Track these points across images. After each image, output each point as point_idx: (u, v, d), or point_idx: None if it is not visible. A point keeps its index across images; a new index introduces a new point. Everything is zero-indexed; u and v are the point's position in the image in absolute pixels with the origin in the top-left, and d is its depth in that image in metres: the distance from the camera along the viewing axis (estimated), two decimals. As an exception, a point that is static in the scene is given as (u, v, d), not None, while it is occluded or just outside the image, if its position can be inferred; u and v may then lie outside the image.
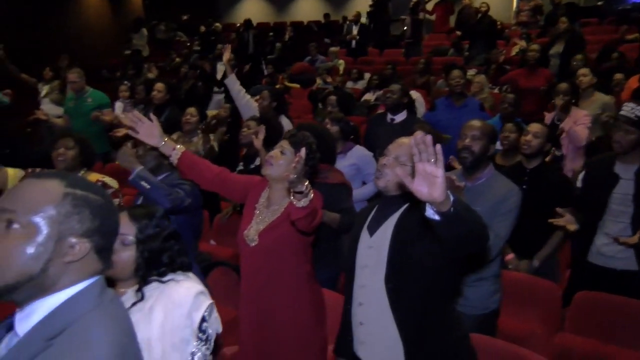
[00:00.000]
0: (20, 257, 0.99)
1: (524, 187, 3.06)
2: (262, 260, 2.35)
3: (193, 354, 1.64)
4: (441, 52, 9.80)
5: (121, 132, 4.43)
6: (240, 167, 4.05)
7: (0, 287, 0.99)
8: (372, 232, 2.01)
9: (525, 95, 5.42)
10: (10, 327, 1.05)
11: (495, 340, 2.37)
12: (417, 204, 1.89)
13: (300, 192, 1.99)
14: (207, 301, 1.71)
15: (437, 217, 1.48)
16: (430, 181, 1.41)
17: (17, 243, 0.99)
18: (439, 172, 1.40)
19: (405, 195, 1.95)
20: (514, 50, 8.09)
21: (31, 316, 1.02)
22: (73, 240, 1.03)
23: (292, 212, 2.08)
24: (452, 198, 1.46)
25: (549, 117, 4.44)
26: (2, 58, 6.86)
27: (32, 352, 0.96)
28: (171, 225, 1.83)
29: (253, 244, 2.35)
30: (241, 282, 2.48)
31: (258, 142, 3.48)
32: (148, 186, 2.63)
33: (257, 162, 3.91)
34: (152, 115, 2.46)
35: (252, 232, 2.37)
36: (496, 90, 6.87)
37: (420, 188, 1.42)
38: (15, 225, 1.00)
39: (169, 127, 4.64)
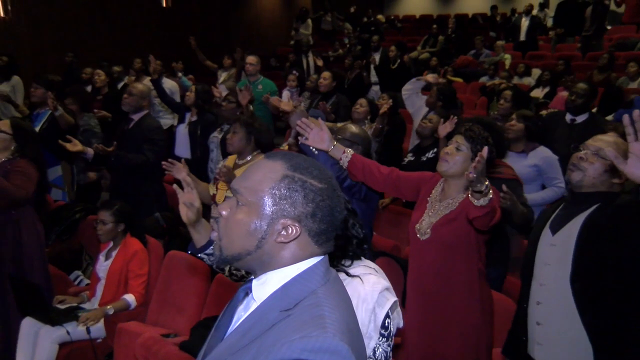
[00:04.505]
0: (240, 232, 1.08)
1: None
2: (434, 254, 2.31)
3: (375, 350, 1.63)
4: (627, 46, 8.86)
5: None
6: (410, 157, 4.05)
7: (226, 256, 1.11)
8: (555, 230, 1.93)
9: None
10: (248, 291, 1.14)
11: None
12: (610, 203, 1.82)
13: (480, 192, 1.93)
14: (392, 298, 1.68)
15: None
16: None
17: (239, 219, 1.08)
18: None
19: (597, 194, 1.86)
20: None
21: (266, 285, 1.09)
22: (285, 222, 1.06)
23: (470, 210, 2.04)
24: None
25: None
26: (193, 46, 7.53)
27: (270, 321, 1.02)
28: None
29: (425, 237, 2.32)
30: (409, 276, 2.47)
31: (444, 130, 3.53)
32: (316, 152, 2.60)
33: (430, 154, 3.89)
34: (320, 121, 2.49)
35: (424, 225, 2.34)
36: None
37: (634, 169, 1.34)
38: (240, 204, 1.09)
39: (336, 114, 4.80)
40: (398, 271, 3.25)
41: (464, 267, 2.30)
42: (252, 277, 1.14)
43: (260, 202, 1.07)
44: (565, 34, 9.85)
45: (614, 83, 6.96)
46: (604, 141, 1.89)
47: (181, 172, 2.66)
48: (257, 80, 5.75)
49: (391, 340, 1.68)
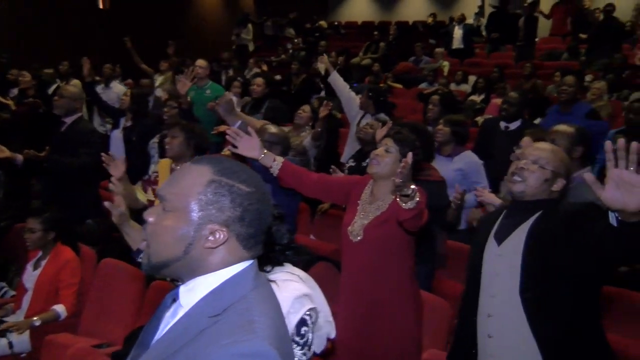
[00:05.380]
0: (167, 239, 1.07)
1: None
2: (367, 255, 2.37)
3: None
4: (554, 56, 9.32)
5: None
6: (352, 163, 4.10)
7: (155, 264, 1.09)
8: (500, 240, 1.93)
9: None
10: (176, 297, 1.12)
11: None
12: (552, 210, 1.85)
13: (407, 196, 1.99)
14: (308, 305, 1.64)
15: (619, 225, 1.42)
16: (627, 189, 1.34)
17: (166, 226, 1.07)
18: None
19: (539, 202, 1.89)
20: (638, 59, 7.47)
21: (194, 291, 1.08)
22: (213, 227, 1.05)
23: (399, 213, 2.09)
24: None
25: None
26: (129, 48, 7.34)
27: (199, 327, 1.01)
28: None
29: (357, 239, 2.37)
30: (342, 277, 2.49)
31: (380, 135, 3.55)
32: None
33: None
34: (250, 129, 2.52)
35: (356, 227, 2.38)
36: (614, 98, 6.44)
37: (612, 195, 1.36)
38: (167, 210, 1.08)
39: (270, 119, 4.79)
40: (337, 275, 3.27)
41: (396, 267, 2.37)
42: (180, 283, 1.12)
43: (187, 208, 1.06)
44: (499, 42, 10.22)
45: (539, 90, 7.31)
46: (543, 150, 1.93)
47: (118, 170, 2.61)
48: (206, 84, 5.66)
49: (307, 350, 1.64)
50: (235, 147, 2.47)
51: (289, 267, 1.74)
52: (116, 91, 6.88)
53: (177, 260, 1.06)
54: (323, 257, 3.50)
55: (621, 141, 1.35)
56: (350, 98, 4.89)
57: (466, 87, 8.46)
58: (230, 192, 1.07)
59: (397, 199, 2.06)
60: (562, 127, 2.74)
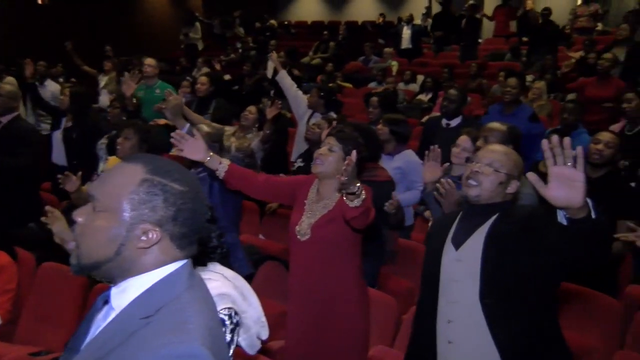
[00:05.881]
0: (98, 239, 1.04)
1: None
2: (315, 254, 2.38)
3: None
4: (498, 56, 9.60)
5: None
6: (300, 163, 4.10)
7: (85, 265, 1.06)
8: (457, 244, 1.91)
9: (592, 105, 5.29)
10: (108, 299, 1.09)
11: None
12: (508, 212, 1.86)
13: (353, 194, 2.00)
14: (224, 304, 1.58)
15: (569, 223, 1.44)
16: (569, 185, 1.36)
17: (96, 226, 1.04)
18: (580, 175, 1.36)
19: (495, 205, 1.89)
20: (565, 67, 7.74)
21: (126, 292, 1.05)
22: (145, 227, 1.03)
23: (346, 211, 2.11)
24: (590, 203, 1.41)
25: (616, 127, 4.30)
26: (69, 50, 7.12)
27: (130, 329, 0.99)
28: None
29: (305, 238, 2.37)
30: (290, 277, 2.50)
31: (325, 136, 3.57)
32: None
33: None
34: (195, 132, 2.52)
35: (304, 226, 2.39)
36: (552, 98, 6.69)
37: (555, 193, 1.37)
38: (98, 209, 1.05)
39: (217, 120, 4.74)
40: (285, 274, 3.27)
41: (344, 265, 2.39)
42: (112, 284, 1.09)
43: (118, 208, 1.03)
44: (443, 42, 10.44)
45: (485, 89, 7.52)
46: (496, 152, 1.94)
47: (73, 185, 2.55)
48: (155, 84, 5.53)
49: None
50: (180, 150, 2.44)
51: (216, 266, 1.69)
52: (51, 89, 6.64)
53: (109, 261, 1.04)
54: (271, 256, 3.51)
55: (554, 137, 1.38)
56: (297, 97, 4.92)
57: (414, 87, 8.60)
58: (163, 191, 1.05)
59: (344, 198, 2.07)
60: (495, 125, 2.82)
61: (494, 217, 1.88)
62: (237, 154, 3.41)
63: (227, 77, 8.50)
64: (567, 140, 1.36)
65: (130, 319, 1.01)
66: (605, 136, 3.14)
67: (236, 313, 1.62)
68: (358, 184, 2.02)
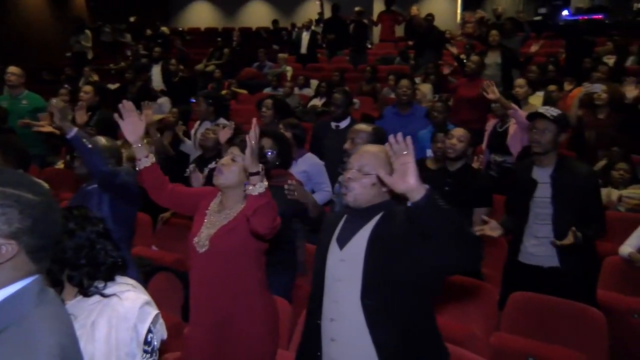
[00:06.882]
0: None
1: (447, 188, 3.26)
2: (213, 266, 2.29)
3: None
4: (387, 60, 9.98)
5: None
6: (192, 169, 4.04)
7: None
8: (342, 244, 1.93)
9: (464, 104, 5.67)
10: None
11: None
12: (391, 211, 1.91)
13: (257, 173, 1.98)
14: (153, 312, 1.67)
15: (413, 208, 1.62)
16: (404, 170, 1.57)
17: None
18: (410, 158, 1.58)
19: (376, 206, 1.92)
20: (446, 67, 8.19)
21: None
22: None
23: (249, 205, 2.05)
24: (425, 187, 1.59)
25: (490, 124, 4.62)
26: None
27: None
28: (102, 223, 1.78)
29: (203, 250, 2.29)
30: (191, 290, 2.41)
31: (224, 136, 3.61)
32: (90, 145, 2.60)
33: (213, 165, 3.92)
34: (142, 116, 2.44)
35: (202, 237, 2.31)
36: (436, 99, 7.05)
37: (396, 179, 1.59)
38: None
39: (101, 130, 4.53)
40: (178, 285, 3.23)
41: (243, 278, 2.30)
42: None
43: None
44: (334, 47, 10.71)
45: (378, 92, 7.80)
46: (365, 155, 1.96)
47: None
48: (21, 94, 5.21)
49: (155, 355, 1.66)
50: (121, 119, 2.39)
51: (120, 278, 1.74)
52: None
53: None
54: (164, 267, 3.43)
55: (399, 136, 1.62)
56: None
57: (309, 91, 8.71)
58: (18, 203, 1.01)
59: (246, 189, 2.03)
60: (361, 127, 2.94)
61: (377, 217, 1.92)
62: (129, 165, 3.32)
63: (114, 86, 8.20)
64: (399, 135, 1.61)
65: None
66: (457, 132, 3.39)
67: (158, 318, 1.69)
68: (261, 166, 2.01)
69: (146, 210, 4.19)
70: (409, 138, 1.61)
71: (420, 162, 4.08)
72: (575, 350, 2.60)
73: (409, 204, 1.63)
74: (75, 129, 2.60)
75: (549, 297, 2.88)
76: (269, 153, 2.84)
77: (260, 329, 2.33)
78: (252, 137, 1.98)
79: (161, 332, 1.75)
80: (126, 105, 2.41)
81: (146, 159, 2.40)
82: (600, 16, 10.39)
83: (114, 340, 1.58)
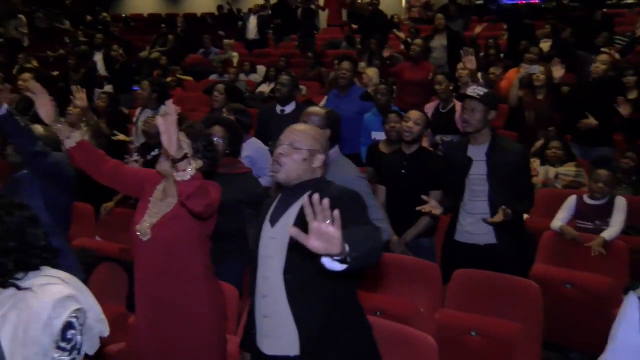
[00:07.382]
0: None
1: (403, 171, 3.32)
2: (156, 255, 2.26)
3: None
4: (334, 45, 9.98)
5: None
6: (136, 157, 3.96)
7: None
8: (273, 222, 1.97)
9: (409, 87, 5.75)
10: None
11: (381, 320, 2.49)
12: (319, 189, 1.83)
13: (183, 158, 1.92)
14: (72, 306, 1.56)
15: (336, 266, 1.47)
16: (327, 239, 1.40)
17: None
18: (337, 233, 1.39)
19: (305, 183, 1.94)
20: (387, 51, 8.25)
21: None
22: None
23: (181, 191, 2.00)
24: (347, 246, 1.44)
25: (429, 106, 4.72)
26: None
27: None
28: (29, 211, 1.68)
29: (146, 238, 2.26)
30: (135, 278, 2.37)
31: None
32: (22, 123, 2.52)
33: (156, 152, 3.84)
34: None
35: (144, 225, 2.27)
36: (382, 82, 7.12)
37: (316, 244, 1.41)
38: None
39: (40, 121, 4.37)
40: (122, 275, 3.17)
41: (187, 265, 2.28)
42: None
43: None
44: (282, 32, 10.63)
45: (324, 77, 7.82)
46: (295, 132, 1.98)
47: None
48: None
49: (77, 354, 1.58)
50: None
51: (47, 270, 1.65)
52: None
53: None
54: (107, 257, 3.37)
55: (315, 197, 1.41)
56: None
57: (256, 77, 8.65)
58: None
59: (175, 177, 1.97)
60: (313, 109, 2.91)
61: (305, 195, 1.88)
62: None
63: (54, 73, 7.91)
64: (325, 200, 1.40)
65: None
66: (413, 114, 3.43)
67: (83, 313, 1.60)
68: (187, 151, 1.97)
69: (88, 200, 4.11)
70: (336, 212, 1.41)
71: (373, 147, 4.14)
72: (514, 321, 2.71)
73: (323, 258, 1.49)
74: (5, 106, 2.50)
75: (489, 273, 2.98)
76: (216, 139, 2.79)
77: (207, 312, 2.32)
78: (169, 122, 1.90)
79: (100, 328, 1.69)
80: (36, 87, 2.34)
81: (69, 140, 2.33)
82: (537, 0, 10.72)
83: (20, 338, 1.49)
